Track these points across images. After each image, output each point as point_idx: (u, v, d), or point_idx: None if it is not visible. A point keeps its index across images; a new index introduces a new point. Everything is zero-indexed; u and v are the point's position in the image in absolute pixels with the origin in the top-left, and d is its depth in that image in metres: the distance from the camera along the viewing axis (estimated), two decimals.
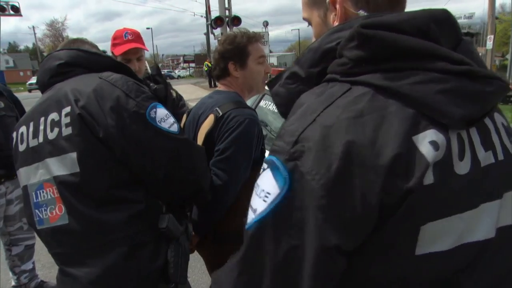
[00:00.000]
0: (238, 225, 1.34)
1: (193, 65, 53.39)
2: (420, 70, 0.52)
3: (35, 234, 2.40)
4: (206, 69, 22.76)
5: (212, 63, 1.51)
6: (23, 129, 1.09)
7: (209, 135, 1.32)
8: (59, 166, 0.99)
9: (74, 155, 0.97)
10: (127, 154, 0.98)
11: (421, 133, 0.50)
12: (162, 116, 1.02)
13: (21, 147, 1.08)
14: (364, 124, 0.50)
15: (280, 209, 0.52)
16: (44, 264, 2.92)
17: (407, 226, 0.51)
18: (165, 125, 1.01)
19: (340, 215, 0.49)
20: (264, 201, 0.54)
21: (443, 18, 0.56)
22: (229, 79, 1.46)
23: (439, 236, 0.52)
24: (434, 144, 0.49)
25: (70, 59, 1.10)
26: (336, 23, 0.66)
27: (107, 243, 1.00)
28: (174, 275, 1.08)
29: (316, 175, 0.50)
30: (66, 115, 0.99)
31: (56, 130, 1.00)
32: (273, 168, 0.54)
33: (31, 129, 1.06)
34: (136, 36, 1.90)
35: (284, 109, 0.69)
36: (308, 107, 0.56)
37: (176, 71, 52.36)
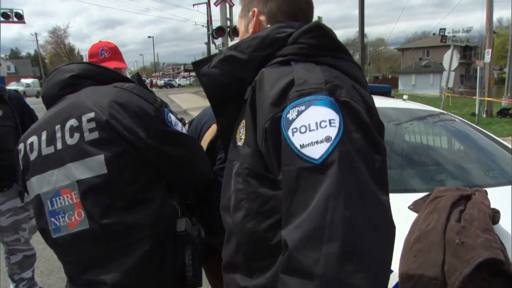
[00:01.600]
0: None
1: (193, 74, 53.66)
2: (346, 60, 0.80)
3: (33, 247, 2.42)
4: None
5: None
6: (33, 139, 1.09)
7: (212, 144, 1.34)
8: (83, 170, 1.01)
9: (101, 157, 1.00)
10: (154, 152, 1.05)
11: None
12: (174, 120, 1.14)
13: (32, 156, 1.09)
14: (344, 79, 0.73)
15: (346, 129, 0.63)
16: (43, 271, 2.92)
17: None
18: (178, 128, 1.12)
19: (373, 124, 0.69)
20: (333, 126, 0.62)
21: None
22: None
23: None
24: None
25: (81, 72, 1.15)
26: (251, 30, 0.90)
27: (130, 244, 1.02)
28: (192, 278, 1.11)
29: (358, 101, 0.68)
30: (89, 120, 1.02)
31: (76, 135, 1.02)
32: (319, 103, 0.64)
33: (43, 137, 1.07)
34: (113, 52, 1.80)
35: (213, 88, 0.84)
36: (304, 67, 0.72)
37: (177, 79, 52.63)
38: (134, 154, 1.02)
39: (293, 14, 0.88)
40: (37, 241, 2.50)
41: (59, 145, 1.04)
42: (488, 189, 1.72)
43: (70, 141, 1.03)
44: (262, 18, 0.89)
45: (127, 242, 1.02)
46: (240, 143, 0.79)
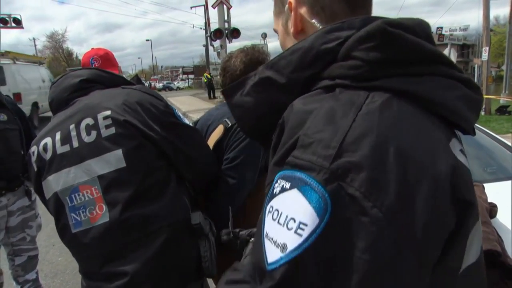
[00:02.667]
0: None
1: (192, 76, 53.77)
2: (435, 75, 0.49)
3: (37, 246, 2.45)
4: (205, 80, 22.88)
5: (222, 76, 1.53)
6: (46, 140, 1.13)
7: (218, 144, 1.37)
8: (103, 165, 1.06)
9: (119, 152, 1.06)
10: (169, 143, 1.12)
11: (451, 141, 0.48)
12: (182, 116, 1.24)
13: (47, 156, 1.12)
14: (408, 130, 0.44)
15: (322, 245, 0.40)
16: (47, 274, 2.94)
17: (460, 237, 0.45)
18: (186, 121, 1.22)
19: (412, 244, 0.39)
20: (298, 234, 0.41)
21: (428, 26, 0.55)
22: None
23: (469, 246, 0.48)
24: (463, 152, 0.50)
25: (91, 76, 1.21)
26: (292, 30, 0.63)
27: (148, 234, 1.07)
28: (208, 269, 1.16)
29: (376, 200, 0.39)
30: (105, 118, 1.08)
31: (93, 132, 1.08)
32: (305, 189, 0.42)
33: (58, 137, 1.11)
34: (104, 60, 1.70)
35: (248, 121, 0.61)
36: (330, 110, 0.46)
37: (175, 82, 52.58)
38: (150, 147, 1.09)
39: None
40: (40, 244, 2.53)
41: (75, 144, 1.09)
42: (487, 185, 1.75)
43: (87, 138, 1.08)
44: (303, 10, 0.61)
45: (146, 232, 1.06)
46: None
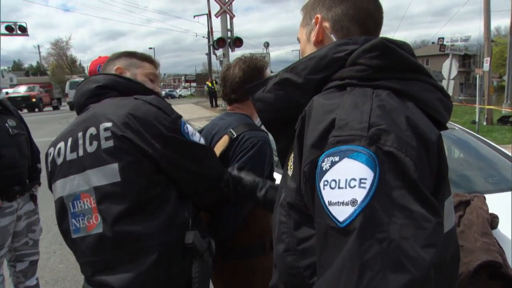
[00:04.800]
0: (247, 242, 1.40)
1: (194, 84, 53.91)
2: (419, 81, 0.68)
3: (39, 250, 2.46)
4: (207, 89, 23.01)
5: (222, 86, 1.56)
6: (61, 144, 1.15)
7: (223, 155, 1.38)
8: (100, 177, 1.06)
9: (115, 165, 1.04)
10: (169, 162, 1.08)
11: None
12: (191, 131, 1.17)
13: (59, 161, 1.14)
14: (410, 109, 0.62)
15: (382, 190, 0.52)
16: (48, 281, 2.93)
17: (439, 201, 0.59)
18: (195, 139, 1.16)
19: (426, 184, 0.56)
20: (362, 187, 0.52)
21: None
22: (247, 102, 1.47)
23: (447, 215, 0.63)
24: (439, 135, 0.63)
25: (107, 82, 1.21)
26: (313, 38, 0.80)
27: (139, 251, 1.05)
28: None
29: (406, 151, 0.55)
30: (105, 129, 1.07)
31: (95, 143, 1.07)
32: (353, 155, 0.55)
33: (69, 143, 1.13)
34: None
35: (268, 114, 0.77)
36: (352, 101, 0.61)
37: (178, 90, 52.86)
38: (148, 163, 1.06)
39: (361, 20, 0.77)
40: (42, 251, 2.52)
41: (80, 152, 1.10)
42: (488, 195, 1.75)
43: (89, 148, 1.08)
44: (326, 25, 0.79)
45: (136, 249, 1.05)
46: (290, 173, 0.74)
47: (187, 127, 1.15)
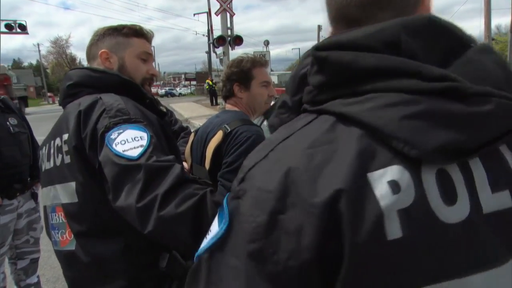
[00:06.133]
0: None
1: (194, 83, 53.95)
2: (384, 91, 0.42)
3: (40, 248, 2.46)
4: (207, 87, 22.97)
5: (223, 86, 1.64)
6: (44, 149, 1.10)
7: (217, 149, 1.39)
8: (64, 194, 0.99)
9: (73, 184, 0.96)
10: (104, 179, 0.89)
11: (379, 170, 0.39)
12: (126, 138, 0.88)
13: (42, 167, 1.10)
14: (311, 156, 0.42)
15: (215, 248, 0.46)
16: (49, 279, 2.93)
17: None
18: (119, 148, 0.86)
19: (273, 264, 0.40)
20: (205, 237, 0.49)
21: (421, 27, 0.44)
22: (234, 99, 1.58)
23: None
24: (393, 184, 0.38)
25: (79, 79, 1.07)
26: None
27: (107, 275, 0.98)
28: None
29: (250, 216, 0.43)
30: (65, 142, 0.97)
31: (60, 156, 1.00)
32: (221, 205, 0.49)
33: (46, 151, 1.07)
34: None
35: None
36: (268, 140, 0.51)
37: (178, 88, 52.79)
38: (100, 181, 0.90)
39: (337, 19, 0.56)
40: (42, 249, 2.53)
41: (51, 163, 1.04)
42: None
43: (57, 161, 1.01)
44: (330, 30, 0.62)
45: (104, 272, 0.98)
46: None
47: (119, 133, 0.90)
